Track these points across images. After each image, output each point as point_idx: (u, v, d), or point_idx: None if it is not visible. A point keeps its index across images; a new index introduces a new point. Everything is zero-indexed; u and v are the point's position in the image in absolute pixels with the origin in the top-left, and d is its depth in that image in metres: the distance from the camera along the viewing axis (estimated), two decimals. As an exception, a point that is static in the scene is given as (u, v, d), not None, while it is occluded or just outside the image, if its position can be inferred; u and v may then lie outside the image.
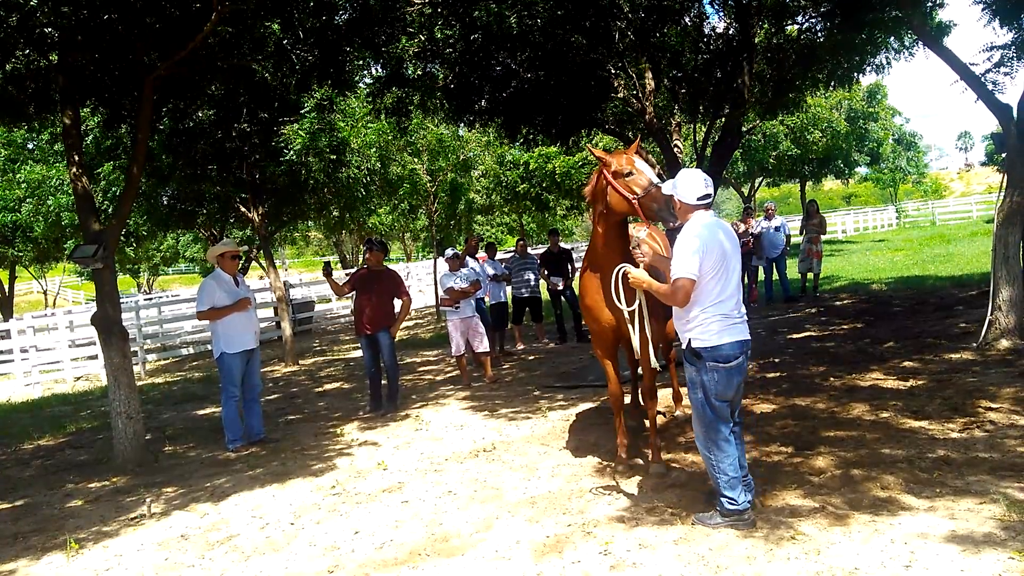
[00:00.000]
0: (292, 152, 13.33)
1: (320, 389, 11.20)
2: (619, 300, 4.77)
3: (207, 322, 7.85)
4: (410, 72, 10.56)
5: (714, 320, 4.17)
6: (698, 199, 4.26)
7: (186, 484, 6.50)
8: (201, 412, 10.20)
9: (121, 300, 8.80)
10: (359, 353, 13.98)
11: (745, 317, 4.35)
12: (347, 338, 18.56)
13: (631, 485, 5.24)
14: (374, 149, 16.15)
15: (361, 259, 29.41)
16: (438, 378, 10.83)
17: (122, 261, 29.76)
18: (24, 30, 7.50)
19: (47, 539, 5.47)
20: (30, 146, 19.91)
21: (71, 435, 9.51)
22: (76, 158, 7.71)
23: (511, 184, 27.26)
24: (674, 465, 5.57)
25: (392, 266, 11.44)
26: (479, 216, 34.02)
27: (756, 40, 10.86)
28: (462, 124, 11.44)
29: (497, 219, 37.65)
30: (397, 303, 8.91)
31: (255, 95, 11.00)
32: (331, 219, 21.06)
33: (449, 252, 10.25)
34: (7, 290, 25.82)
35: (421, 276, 28.35)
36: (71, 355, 16.72)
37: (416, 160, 20.49)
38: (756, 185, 34.53)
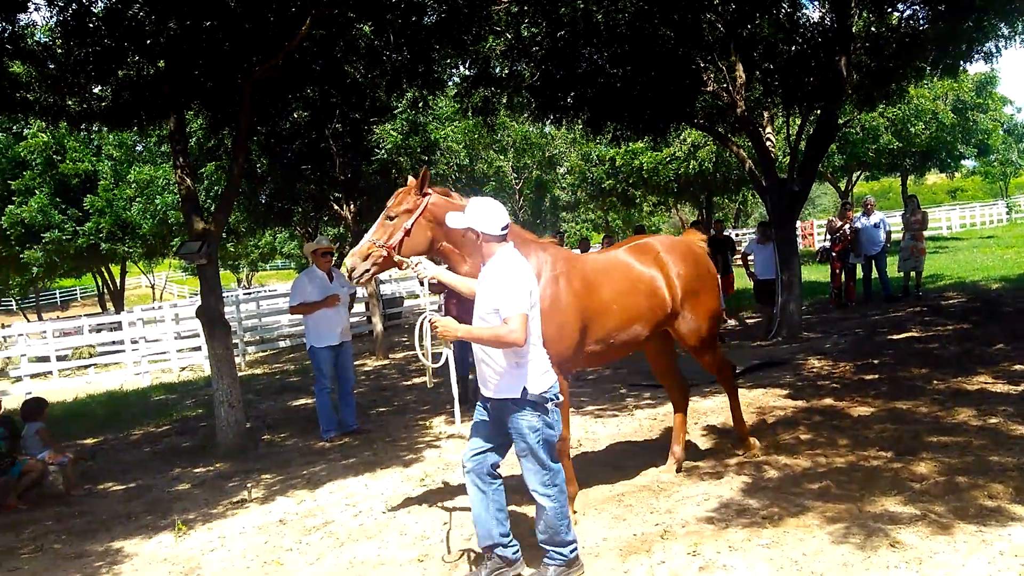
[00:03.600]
0: (383, 151, 13.66)
1: (408, 382, 11.44)
2: (424, 357, 4.20)
3: (300, 316, 8.16)
4: (497, 71, 10.66)
5: (544, 360, 3.95)
6: (502, 229, 3.89)
7: (284, 471, 6.77)
8: (297, 403, 10.60)
9: (222, 294, 9.23)
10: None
11: None
12: (434, 333, 18.86)
13: (722, 487, 5.15)
14: (462, 146, 16.37)
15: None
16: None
17: (223, 257, 31.15)
18: (134, 39, 7.97)
19: (157, 519, 5.81)
20: (139, 148, 21.12)
21: (177, 422, 10.05)
22: (181, 160, 8.13)
23: (597, 180, 27.11)
24: (766, 467, 5.44)
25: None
26: (564, 213, 34.00)
27: (854, 29, 10.46)
28: (548, 121, 11.48)
29: (582, 215, 37.55)
30: None
31: (347, 96, 11.33)
32: (419, 216, 21.43)
33: None
34: (118, 284, 27.44)
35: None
36: (177, 346, 17.62)
37: (502, 157, 20.66)
38: (854, 180, 33.18)
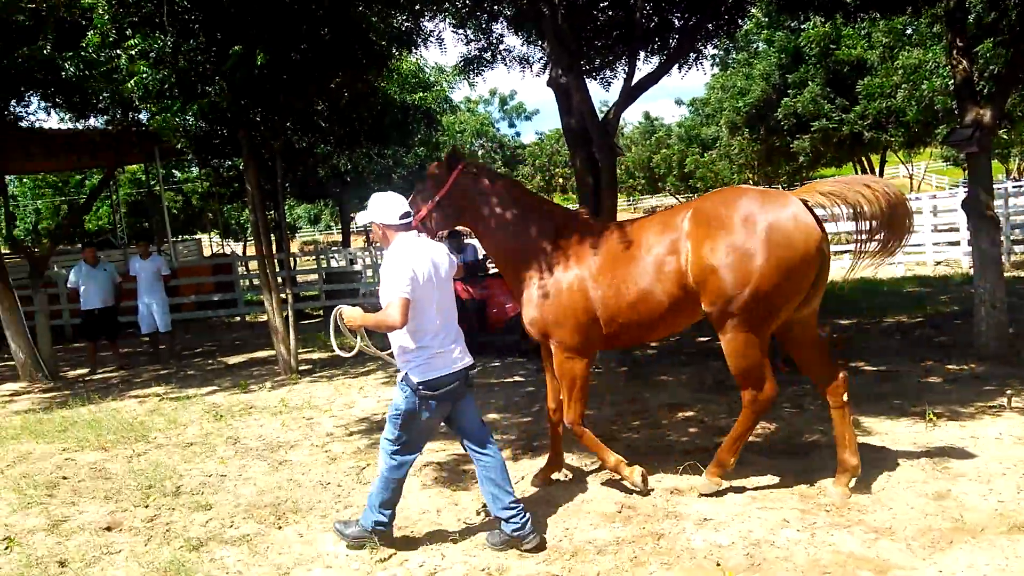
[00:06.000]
0: None
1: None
2: (336, 346, 4.25)
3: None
4: None
5: (432, 349, 3.95)
6: (400, 218, 4.04)
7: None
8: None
9: (992, 187, 8.49)
10: None
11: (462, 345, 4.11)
12: None
13: None
14: None
15: None
16: None
17: (994, 145, 28.22)
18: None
19: (906, 405, 5.99)
20: (908, 32, 20.44)
21: (930, 315, 9.92)
22: (959, 41, 7.61)
23: None
24: None
25: None
26: None
27: None
28: None
29: None
30: None
31: None
32: None
33: None
34: (878, 173, 27.71)
35: None
36: (933, 239, 17.05)
37: None
38: None
